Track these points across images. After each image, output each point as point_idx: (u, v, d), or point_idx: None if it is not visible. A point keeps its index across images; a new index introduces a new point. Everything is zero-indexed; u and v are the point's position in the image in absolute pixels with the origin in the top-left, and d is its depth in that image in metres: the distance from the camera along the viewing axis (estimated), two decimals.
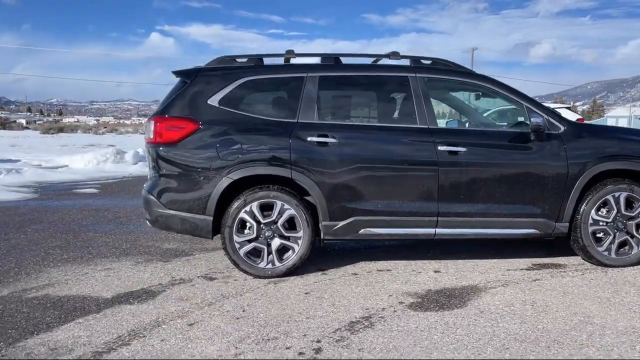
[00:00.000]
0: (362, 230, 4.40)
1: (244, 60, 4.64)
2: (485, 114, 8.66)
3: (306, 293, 4.04)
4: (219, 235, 4.41)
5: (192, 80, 4.46)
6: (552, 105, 12.95)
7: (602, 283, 4.24)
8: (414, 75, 4.55)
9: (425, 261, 4.89)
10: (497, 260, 4.89)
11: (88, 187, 10.51)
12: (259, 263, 4.35)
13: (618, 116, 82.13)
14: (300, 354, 3.03)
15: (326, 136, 4.32)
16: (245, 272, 4.39)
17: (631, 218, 4.57)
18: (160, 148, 4.35)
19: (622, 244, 4.60)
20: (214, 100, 4.39)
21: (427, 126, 4.43)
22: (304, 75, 4.48)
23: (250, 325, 3.44)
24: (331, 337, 3.24)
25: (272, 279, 4.36)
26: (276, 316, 3.58)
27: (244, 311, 3.68)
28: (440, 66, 4.72)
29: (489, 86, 4.65)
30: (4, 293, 4.07)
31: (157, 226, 4.52)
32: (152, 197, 4.38)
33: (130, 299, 3.93)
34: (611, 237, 4.57)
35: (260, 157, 4.28)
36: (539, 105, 4.62)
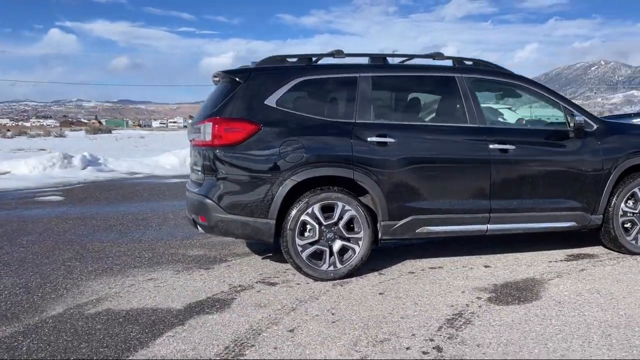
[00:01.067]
0: (420, 228, 4.45)
1: (294, 60, 4.56)
2: None
3: (380, 294, 4.04)
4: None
5: (245, 80, 4.32)
6: None
7: None
8: (460, 75, 4.67)
9: (467, 257, 5.02)
10: (533, 253, 5.11)
11: (48, 194, 9.82)
12: (321, 265, 4.30)
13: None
14: (425, 353, 3.04)
15: (385, 136, 4.34)
16: (307, 275, 4.32)
17: None
18: (218, 150, 4.18)
19: None
20: (271, 101, 4.28)
21: (477, 125, 4.55)
22: (357, 75, 4.48)
23: (351, 328, 3.39)
24: (441, 335, 3.26)
25: (335, 282, 4.31)
26: (369, 317, 3.56)
27: (333, 314, 3.62)
28: (482, 67, 4.87)
29: (527, 86, 4.87)
30: (59, 310, 3.75)
31: (215, 232, 4.34)
32: (210, 201, 4.19)
33: (206, 309, 3.75)
34: (638, 227, 4.92)
35: (323, 159, 4.22)
36: (575, 105, 4.89)
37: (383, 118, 4.51)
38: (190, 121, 5.20)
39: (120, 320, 3.56)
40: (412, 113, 4.78)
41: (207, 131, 4.20)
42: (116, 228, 6.63)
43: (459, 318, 3.54)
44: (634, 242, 4.93)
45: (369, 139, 4.30)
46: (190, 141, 4.95)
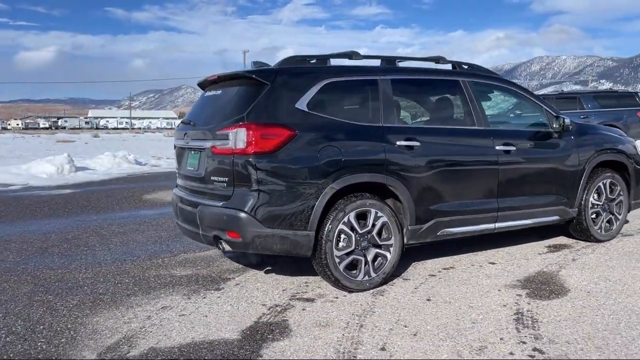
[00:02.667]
0: (441, 231, 4.48)
1: (313, 60, 4.31)
2: None
3: (427, 300, 3.98)
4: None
5: (272, 82, 3.97)
6: None
7: (619, 255, 5.06)
8: (463, 79, 4.78)
9: (466, 255, 5.14)
10: (518, 247, 5.43)
11: None
12: (357, 276, 4.11)
13: None
14: (531, 356, 3.06)
15: (411, 139, 4.29)
16: (345, 287, 4.10)
17: (612, 200, 5.54)
18: (252, 159, 3.78)
19: (608, 222, 5.54)
20: (302, 104, 3.98)
21: (484, 127, 4.70)
22: (377, 78, 4.36)
23: (438, 339, 3.30)
24: (527, 337, 3.31)
25: (372, 292, 4.15)
26: (444, 326, 3.48)
27: (406, 327, 3.48)
28: (476, 71, 5.03)
29: (516, 90, 5.15)
30: (90, 357, 3.12)
31: (249, 249, 3.91)
32: (246, 215, 3.77)
33: (266, 335, 3.38)
34: (602, 217, 5.48)
35: (361, 164, 4.06)
36: (554, 108, 5.27)
37: (404, 121, 4.46)
38: (181, 126, 4.64)
39: (182, 359, 3.06)
40: (428, 116, 4.80)
41: (240, 138, 3.77)
42: (52, 251, 5.69)
43: (523, 317, 3.62)
44: (599, 231, 5.48)
45: (397, 143, 4.22)
46: (187, 149, 4.43)
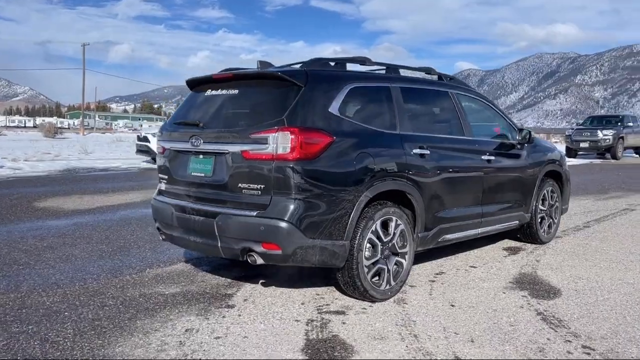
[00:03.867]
0: (441, 237, 4.61)
1: (333, 64, 4.16)
2: None
3: (452, 305, 4.06)
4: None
5: (305, 84, 3.76)
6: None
7: (569, 256, 5.63)
8: (452, 91, 4.97)
9: (444, 259, 5.33)
10: (481, 250, 5.77)
11: None
12: (381, 285, 4.06)
13: None
14: (586, 353, 3.29)
15: (423, 148, 4.35)
16: (370, 297, 4.01)
17: (552, 206, 6.16)
18: (294, 165, 3.54)
19: (548, 226, 6.14)
20: (334, 109, 3.83)
21: (472, 137, 4.94)
22: (389, 85, 4.36)
23: (496, 343, 3.39)
24: (567, 335, 3.54)
25: (392, 300, 4.13)
26: (489, 330, 3.58)
27: (457, 334, 3.52)
28: (458, 84, 5.26)
29: (486, 103, 5.49)
30: None
31: (290, 261, 3.63)
32: (289, 225, 3.51)
33: (332, 352, 3.19)
34: (545, 222, 6.05)
35: (388, 172, 4.02)
36: (514, 121, 5.70)
37: (414, 129, 4.48)
38: (178, 126, 4.15)
39: None
40: (431, 125, 4.85)
41: (282, 142, 3.51)
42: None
43: (548, 318, 3.85)
44: (543, 234, 6.05)
45: (413, 151, 4.25)
46: (193, 152, 4.01)
